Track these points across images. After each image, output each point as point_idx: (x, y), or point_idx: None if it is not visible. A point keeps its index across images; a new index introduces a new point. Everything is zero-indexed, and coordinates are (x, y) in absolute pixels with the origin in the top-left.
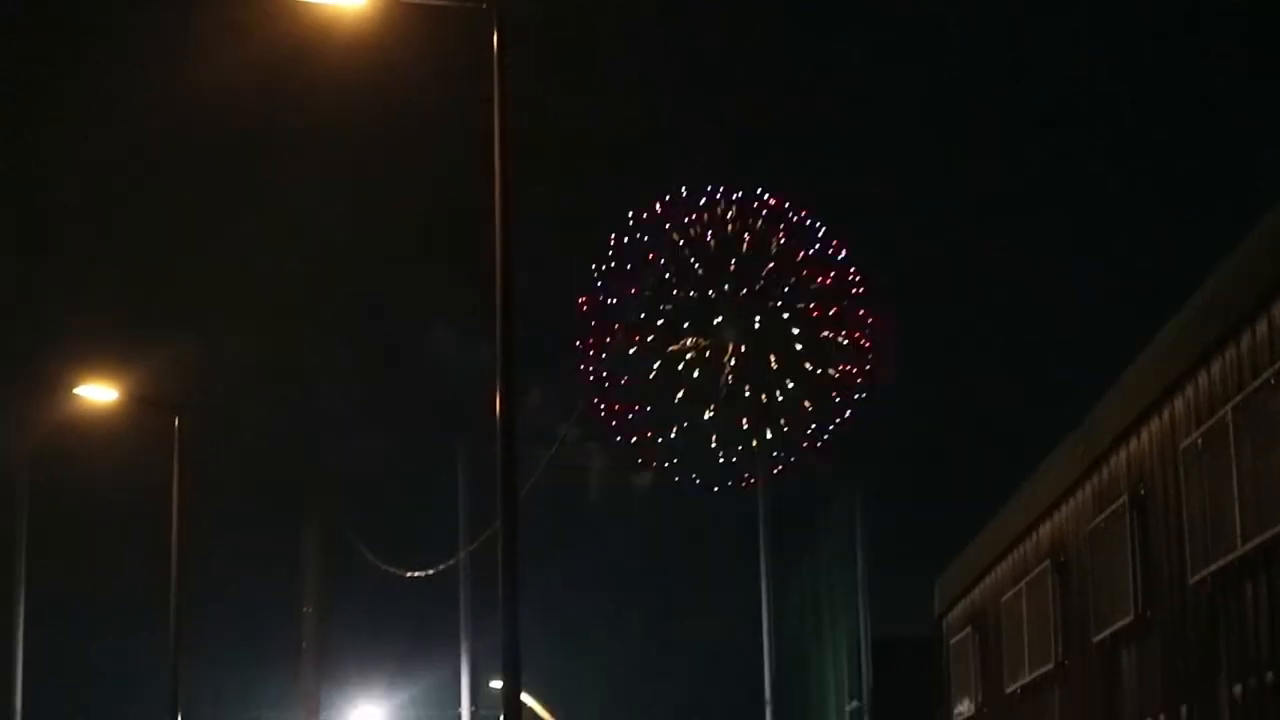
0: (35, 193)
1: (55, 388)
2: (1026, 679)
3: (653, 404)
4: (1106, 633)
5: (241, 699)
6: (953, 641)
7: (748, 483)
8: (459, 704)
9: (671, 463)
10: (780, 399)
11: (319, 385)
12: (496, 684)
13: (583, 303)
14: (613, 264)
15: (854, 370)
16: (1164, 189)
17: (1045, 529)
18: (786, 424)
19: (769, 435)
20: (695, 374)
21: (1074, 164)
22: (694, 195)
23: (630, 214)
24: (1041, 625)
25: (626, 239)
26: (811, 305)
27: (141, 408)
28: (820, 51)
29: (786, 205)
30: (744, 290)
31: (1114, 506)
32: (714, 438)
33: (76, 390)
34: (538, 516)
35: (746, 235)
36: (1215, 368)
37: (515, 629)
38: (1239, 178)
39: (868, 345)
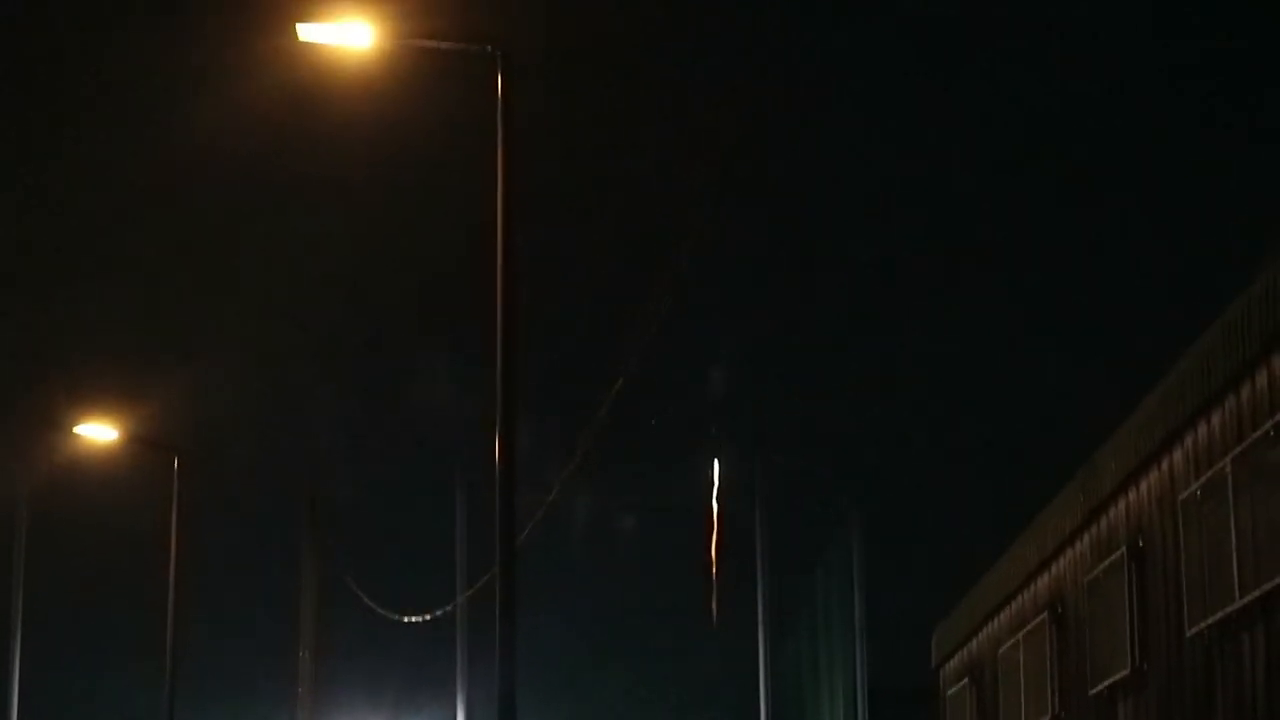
0: (35, 229)
1: (55, 426)
2: None
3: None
4: (1103, 685)
5: None
6: (949, 693)
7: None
8: None
9: (662, 507)
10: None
11: (317, 427)
12: None
13: None
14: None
15: None
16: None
17: (1043, 580)
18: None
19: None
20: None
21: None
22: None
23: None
24: (1039, 677)
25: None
26: None
27: (141, 447)
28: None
29: None
30: None
31: (1112, 558)
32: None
33: (76, 429)
34: (530, 561)
35: None
36: (1215, 419)
37: (511, 679)
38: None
39: None
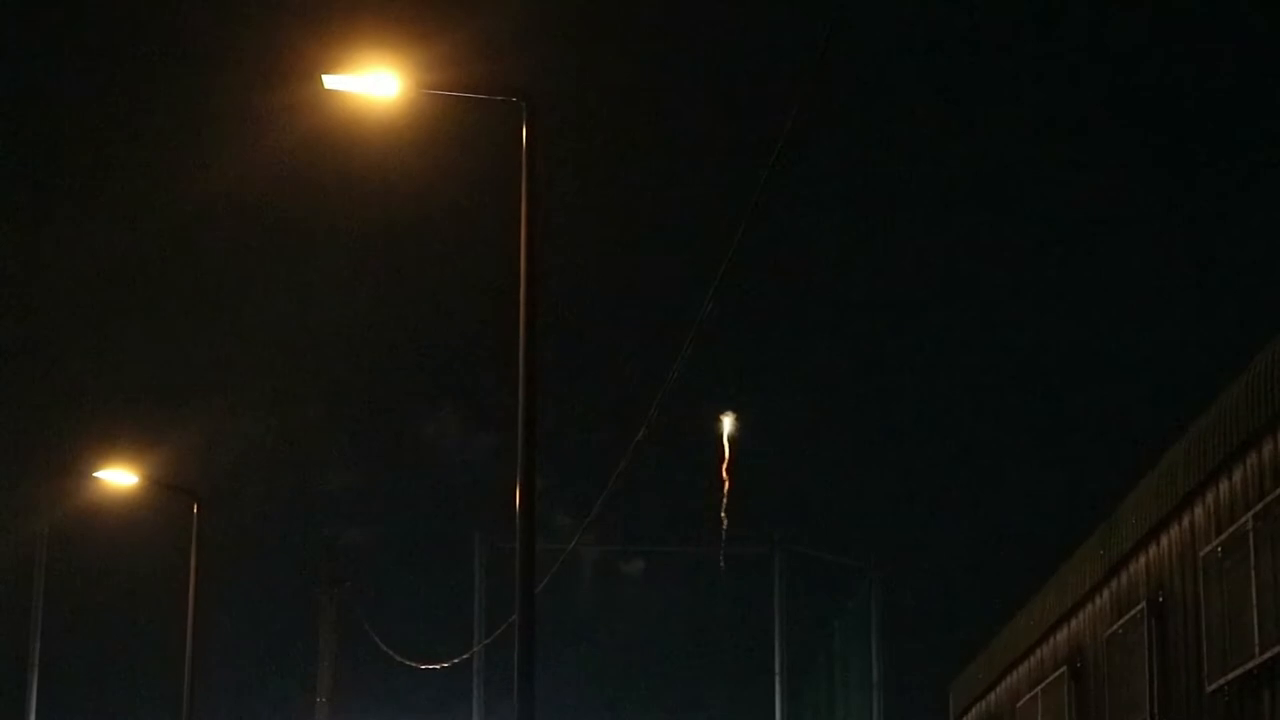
0: (58, 275)
1: (76, 471)
2: None
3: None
4: None
5: None
6: None
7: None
8: None
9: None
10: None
11: (336, 474)
12: None
13: None
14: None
15: None
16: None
17: (1062, 634)
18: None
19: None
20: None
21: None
22: None
23: None
24: None
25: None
26: None
27: (161, 492)
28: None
29: None
30: None
31: (1132, 613)
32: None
33: (97, 474)
34: (546, 606)
35: None
36: (1237, 475)
37: None
38: None
39: None
